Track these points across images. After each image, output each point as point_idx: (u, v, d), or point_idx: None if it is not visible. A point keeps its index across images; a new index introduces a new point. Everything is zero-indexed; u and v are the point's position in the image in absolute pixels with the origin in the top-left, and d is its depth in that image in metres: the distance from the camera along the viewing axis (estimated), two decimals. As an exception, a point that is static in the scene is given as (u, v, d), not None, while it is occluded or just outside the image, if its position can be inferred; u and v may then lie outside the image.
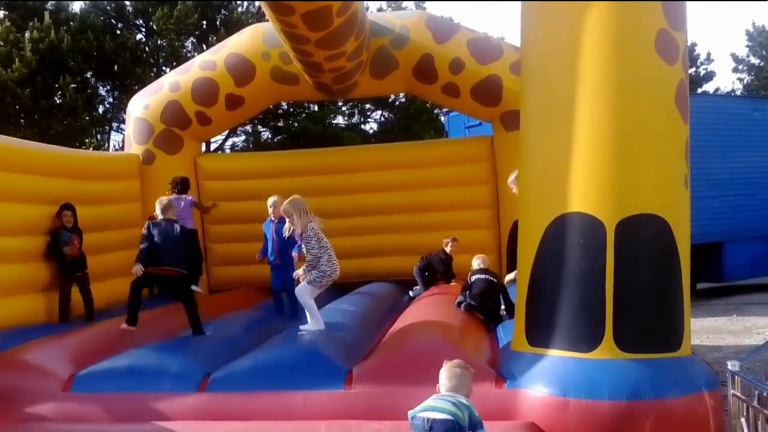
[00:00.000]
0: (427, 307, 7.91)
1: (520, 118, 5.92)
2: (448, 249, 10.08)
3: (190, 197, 10.11)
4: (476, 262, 8.26)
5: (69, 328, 7.43)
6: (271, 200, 8.97)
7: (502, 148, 10.65)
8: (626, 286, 5.14)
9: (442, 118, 27.25)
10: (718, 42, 56.83)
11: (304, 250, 6.87)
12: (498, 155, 10.88)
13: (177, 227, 7.42)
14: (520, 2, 5.96)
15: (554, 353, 5.24)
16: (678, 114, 5.41)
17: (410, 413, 4.25)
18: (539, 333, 5.39)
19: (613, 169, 5.21)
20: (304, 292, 6.72)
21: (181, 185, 10.01)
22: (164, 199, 7.85)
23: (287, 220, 6.95)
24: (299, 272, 6.88)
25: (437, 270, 10.01)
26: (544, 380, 5.12)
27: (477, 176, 11.13)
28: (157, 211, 7.55)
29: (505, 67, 10.27)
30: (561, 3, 5.48)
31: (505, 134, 10.38)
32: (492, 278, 8.03)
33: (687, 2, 5.71)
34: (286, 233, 7.27)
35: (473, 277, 8.00)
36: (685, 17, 5.61)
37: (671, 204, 5.32)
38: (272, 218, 9.06)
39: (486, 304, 7.78)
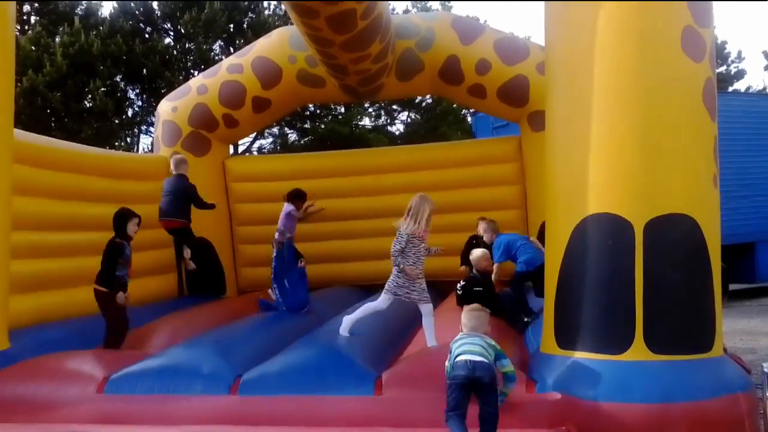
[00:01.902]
0: (456, 311, 7.87)
1: (546, 119, 5.89)
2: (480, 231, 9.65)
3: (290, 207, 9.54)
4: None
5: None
6: None
7: (529, 149, 10.59)
8: (656, 287, 5.08)
9: (469, 119, 27.17)
10: (749, 40, 56.09)
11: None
12: (526, 156, 10.84)
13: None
14: (544, 2, 5.92)
15: (584, 356, 5.19)
16: (706, 112, 5.34)
17: (451, 356, 4.86)
18: (569, 335, 5.34)
19: (640, 168, 5.16)
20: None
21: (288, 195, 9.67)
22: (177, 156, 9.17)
23: (410, 218, 6.48)
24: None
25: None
26: (575, 383, 5.08)
27: (505, 177, 11.09)
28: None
29: (532, 68, 10.21)
30: (585, 2, 5.44)
31: (533, 134, 10.32)
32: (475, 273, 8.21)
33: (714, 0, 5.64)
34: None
35: None
36: (711, 14, 5.53)
37: (700, 203, 5.25)
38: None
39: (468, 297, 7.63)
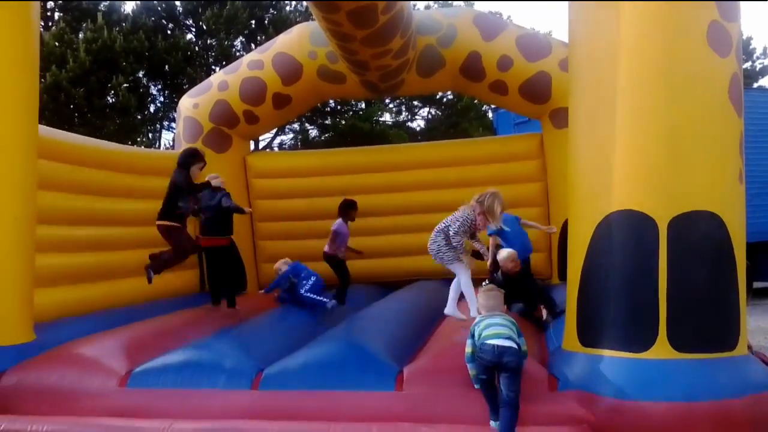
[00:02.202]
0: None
1: (569, 115, 5.84)
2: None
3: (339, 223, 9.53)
4: None
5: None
6: None
7: (551, 146, 10.54)
8: (680, 285, 5.03)
9: (491, 115, 27.06)
10: (774, 36, 55.30)
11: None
12: (548, 153, 10.79)
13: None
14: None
15: (607, 353, 5.15)
16: (732, 108, 5.27)
17: (476, 339, 5.14)
18: (591, 333, 5.31)
19: (664, 165, 5.10)
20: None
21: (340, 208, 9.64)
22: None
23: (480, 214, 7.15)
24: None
25: None
26: (598, 381, 5.04)
27: (526, 174, 11.04)
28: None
29: (555, 64, 10.15)
30: (609, -1, 5.39)
31: (555, 131, 10.27)
32: None
33: (741, -5, 5.57)
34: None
35: None
36: (738, 8, 5.46)
37: (725, 200, 5.19)
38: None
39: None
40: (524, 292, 7.73)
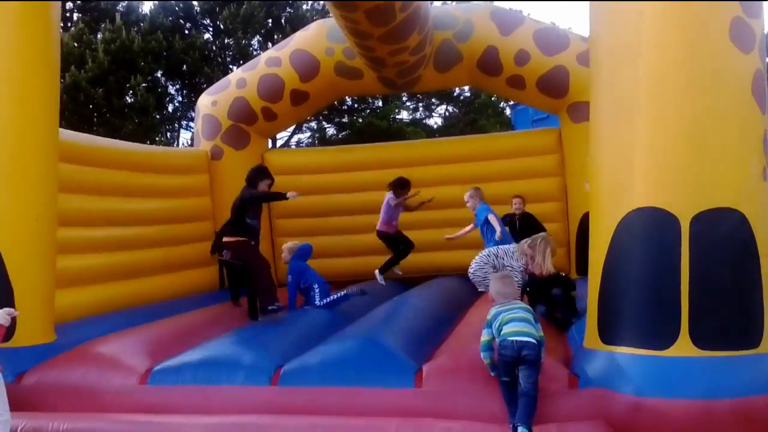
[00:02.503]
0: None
1: (590, 112, 5.79)
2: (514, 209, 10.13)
3: (389, 194, 9.88)
4: None
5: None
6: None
7: (570, 140, 10.50)
8: (702, 282, 4.97)
9: (508, 112, 26.95)
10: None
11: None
12: (566, 147, 10.75)
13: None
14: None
15: (628, 351, 5.10)
16: (755, 103, 5.19)
17: (495, 330, 5.21)
18: (612, 330, 5.26)
19: (687, 161, 5.04)
20: None
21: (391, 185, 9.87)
22: None
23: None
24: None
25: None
26: (619, 379, 5.01)
27: (545, 169, 11.00)
28: None
29: (572, 58, 10.11)
30: (631, -8, 5.34)
31: (573, 126, 10.23)
32: None
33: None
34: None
35: None
36: (761, 5, 5.40)
37: (749, 197, 5.11)
38: None
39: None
40: (548, 296, 7.60)
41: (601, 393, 5.02)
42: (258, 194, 7.91)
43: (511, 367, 5.06)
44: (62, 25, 22.82)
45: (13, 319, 5.19)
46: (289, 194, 7.69)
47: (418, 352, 5.98)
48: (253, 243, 7.86)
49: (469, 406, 5.14)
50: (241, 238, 7.74)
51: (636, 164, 5.20)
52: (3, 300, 5.89)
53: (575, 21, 55.63)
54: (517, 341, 5.06)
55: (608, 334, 5.29)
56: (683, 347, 4.92)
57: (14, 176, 6.19)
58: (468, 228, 9.43)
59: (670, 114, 5.09)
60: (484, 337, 5.31)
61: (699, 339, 4.91)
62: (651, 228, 5.10)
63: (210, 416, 5.21)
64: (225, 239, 7.90)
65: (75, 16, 24.50)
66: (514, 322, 5.19)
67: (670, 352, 4.94)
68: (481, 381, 5.29)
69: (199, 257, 10.26)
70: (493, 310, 5.40)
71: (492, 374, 5.26)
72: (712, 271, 4.98)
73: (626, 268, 5.22)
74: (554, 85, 10.33)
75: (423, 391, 5.33)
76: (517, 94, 11.19)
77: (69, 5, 24.17)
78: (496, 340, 5.22)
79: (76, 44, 21.66)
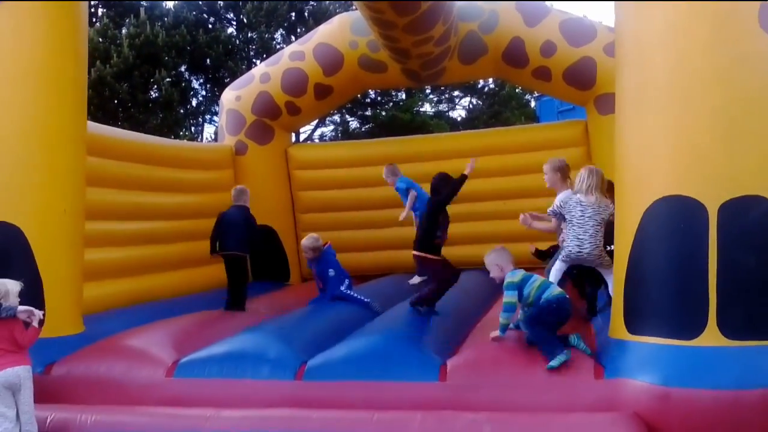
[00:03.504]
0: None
1: (616, 101, 5.73)
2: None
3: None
4: None
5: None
6: None
7: (596, 132, 10.38)
8: (730, 271, 4.90)
9: (533, 104, 26.76)
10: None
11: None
12: (593, 139, 10.63)
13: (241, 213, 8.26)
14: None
15: (655, 341, 5.05)
16: (786, 91, 5.10)
17: (532, 290, 5.57)
18: (639, 320, 5.21)
19: (714, 149, 4.96)
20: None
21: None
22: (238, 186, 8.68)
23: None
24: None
25: None
26: (645, 369, 4.96)
27: (571, 162, 10.78)
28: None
29: (599, 49, 10.01)
30: (657, -21, 5.25)
31: (600, 118, 10.12)
32: None
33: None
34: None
35: None
36: (792, -10, 5.28)
37: (777, 184, 5.03)
38: None
39: None
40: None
41: (629, 383, 4.98)
42: (446, 192, 7.34)
43: (558, 326, 5.49)
44: (88, 20, 22.99)
45: (38, 308, 5.22)
46: (467, 170, 7.24)
47: (441, 348, 5.96)
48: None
49: (494, 399, 5.12)
50: (430, 256, 7.17)
51: (662, 152, 5.14)
52: (33, 292, 5.95)
53: (605, 17, 55.16)
54: (568, 299, 5.59)
55: (635, 324, 5.25)
56: (711, 337, 4.87)
57: (44, 170, 6.25)
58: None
59: (696, 100, 5.03)
60: (512, 299, 5.55)
61: (727, 328, 4.85)
62: (678, 216, 5.04)
63: (236, 410, 5.23)
64: (415, 253, 7.27)
65: (100, 11, 24.67)
66: (553, 284, 5.70)
67: (698, 342, 4.89)
68: (506, 375, 5.27)
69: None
70: (518, 273, 5.65)
71: (501, 335, 5.61)
72: (740, 259, 4.91)
73: (653, 258, 5.17)
74: (581, 76, 10.22)
75: (447, 385, 5.31)
76: (543, 85, 11.09)
77: (94, 1, 24.34)
78: (542, 298, 5.50)
79: (101, 39, 21.81)
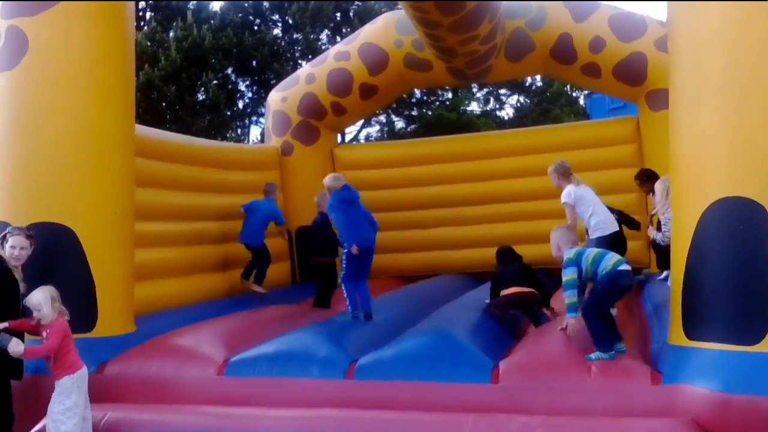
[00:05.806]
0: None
1: (670, 100, 5.60)
2: None
3: None
4: None
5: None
6: None
7: (648, 129, 10.21)
8: (792, 274, 4.73)
9: (582, 101, 26.41)
10: None
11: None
12: (644, 136, 10.46)
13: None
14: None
15: (715, 347, 4.91)
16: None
17: (592, 263, 5.51)
18: (698, 326, 5.08)
19: (773, 148, 4.81)
20: None
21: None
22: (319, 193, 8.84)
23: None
24: None
25: None
26: (705, 375, 4.81)
27: (622, 159, 10.72)
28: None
29: (650, 44, 9.84)
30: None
31: (652, 114, 9.96)
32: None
33: None
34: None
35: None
36: None
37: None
38: None
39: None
40: None
41: (688, 389, 4.84)
42: None
43: (621, 297, 5.64)
44: (136, 24, 23.36)
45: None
46: None
47: (492, 350, 5.89)
48: None
49: (547, 402, 5.03)
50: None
51: (719, 152, 5.00)
52: (85, 292, 6.07)
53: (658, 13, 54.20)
54: (628, 270, 5.49)
55: (694, 329, 5.11)
56: (774, 342, 4.71)
57: (94, 172, 6.31)
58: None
59: (753, 99, 4.87)
60: (572, 275, 5.47)
61: (790, 333, 4.69)
62: (736, 218, 4.89)
63: (286, 409, 5.23)
64: None
65: (148, 15, 25.07)
66: (607, 254, 5.57)
67: (759, 348, 4.75)
68: (560, 378, 5.17)
69: (273, 252, 10.34)
70: (572, 250, 5.62)
71: (574, 316, 5.50)
72: (801, 263, 4.73)
73: (711, 261, 5.02)
74: (631, 72, 10.08)
75: (500, 387, 5.24)
76: (593, 82, 10.95)
77: (142, 5, 24.74)
78: (598, 273, 5.46)
79: (149, 43, 22.16)
